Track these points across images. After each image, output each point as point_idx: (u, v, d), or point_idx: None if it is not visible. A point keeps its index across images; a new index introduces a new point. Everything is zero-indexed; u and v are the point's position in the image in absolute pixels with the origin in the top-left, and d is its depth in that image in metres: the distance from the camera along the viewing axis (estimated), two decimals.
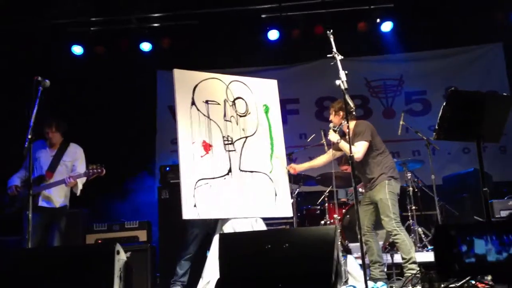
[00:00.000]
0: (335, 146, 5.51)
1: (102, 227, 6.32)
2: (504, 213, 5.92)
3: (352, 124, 5.29)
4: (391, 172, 5.25)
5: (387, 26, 8.44)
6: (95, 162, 5.37)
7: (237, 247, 3.56)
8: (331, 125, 5.43)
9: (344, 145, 5.23)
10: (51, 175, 5.48)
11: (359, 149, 5.15)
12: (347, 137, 4.52)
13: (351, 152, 4.21)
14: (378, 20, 8.35)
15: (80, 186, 5.52)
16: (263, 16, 8.44)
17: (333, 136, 5.34)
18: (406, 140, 8.26)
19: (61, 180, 5.40)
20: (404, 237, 5.04)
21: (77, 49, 8.49)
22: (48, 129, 5.56)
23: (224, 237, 3.75)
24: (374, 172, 5.25)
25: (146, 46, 8.60)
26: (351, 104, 3.92)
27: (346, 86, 3.99)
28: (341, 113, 5.34)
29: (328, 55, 4.27)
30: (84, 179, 5.52)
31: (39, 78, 4.23)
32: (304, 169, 5.90)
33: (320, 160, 5.76)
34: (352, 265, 5.37)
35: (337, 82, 4.07)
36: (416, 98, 9.17)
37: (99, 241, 6.15)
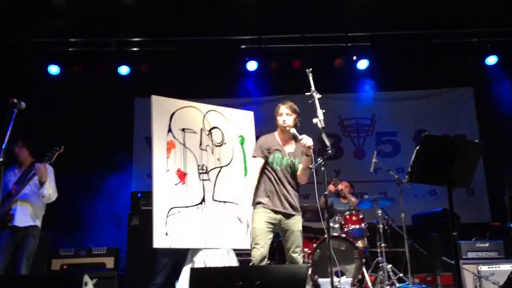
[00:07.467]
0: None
1: (68, 252, 6.17)
2: (471, 254, 5.99)
3: None
4: (262, 198, 4.55)
5: (363, 64, 8.65)
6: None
7: (208, 282, 3.51)
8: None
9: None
10: (18, 190, 5.32)
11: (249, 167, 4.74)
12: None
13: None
14: (354, 58, 8.56)
15: (50, 186, 5.36)
16: (242, 47, 8.55)
17: None
18: (374, 181, 8.39)
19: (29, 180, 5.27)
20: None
21: (54, 69, 8.38)
22: (14, 145, 5.41)
23: (196, 272, 3.71)
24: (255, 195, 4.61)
25: (124, 70, 8.57)
26: (328, 143, 3.95)
27: (323, 125, 4.03)
28: None
29: (307, 93, 4.32)
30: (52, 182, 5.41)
31: (15, 100, 4.15)
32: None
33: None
34: None
35: (315, 120, 4.10)
36: (387, 139, 9.31)
37: (65, 267, 6.00)
